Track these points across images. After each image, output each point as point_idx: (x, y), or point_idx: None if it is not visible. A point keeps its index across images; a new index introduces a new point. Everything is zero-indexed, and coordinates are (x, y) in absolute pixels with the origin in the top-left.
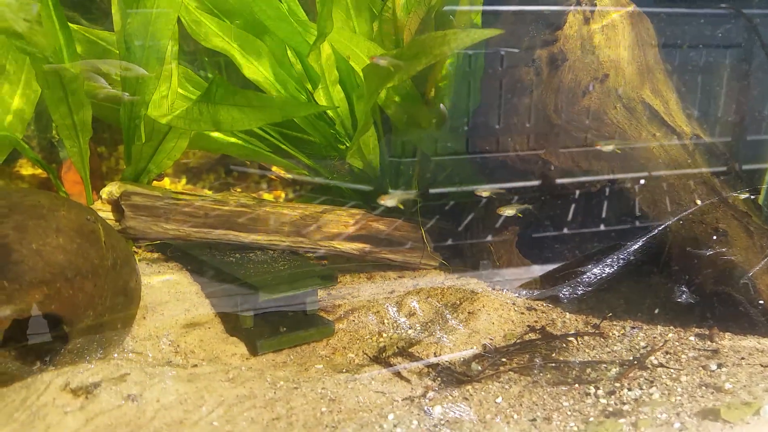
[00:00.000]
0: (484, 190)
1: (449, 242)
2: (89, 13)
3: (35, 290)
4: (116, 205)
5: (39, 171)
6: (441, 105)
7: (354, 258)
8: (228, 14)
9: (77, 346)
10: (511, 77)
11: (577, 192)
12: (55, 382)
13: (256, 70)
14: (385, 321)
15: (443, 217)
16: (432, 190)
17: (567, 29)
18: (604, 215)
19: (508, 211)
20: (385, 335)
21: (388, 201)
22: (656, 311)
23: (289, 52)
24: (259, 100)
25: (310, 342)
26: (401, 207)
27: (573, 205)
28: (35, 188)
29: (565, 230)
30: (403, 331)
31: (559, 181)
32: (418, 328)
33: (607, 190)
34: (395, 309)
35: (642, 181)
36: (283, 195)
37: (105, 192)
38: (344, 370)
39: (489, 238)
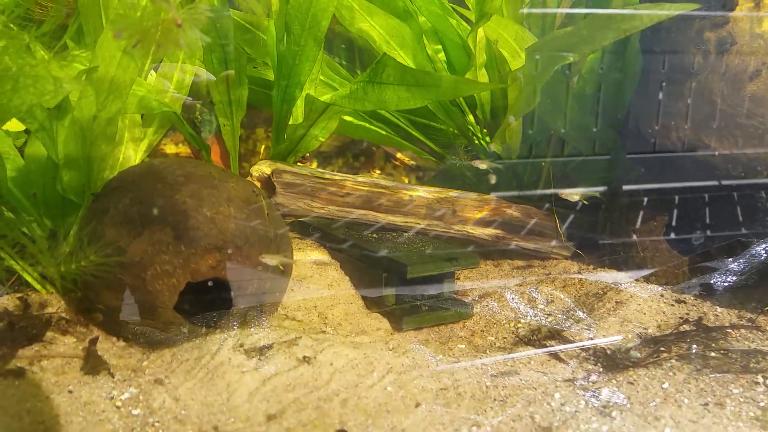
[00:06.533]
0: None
1: (585, 232)
2: None
3: (209, 256)
4: (265, 183)
5: (182, 149)
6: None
7: (485, 244)
8: None
9: (241, 311)
10: (676, 61)
11: (739, 181)
12: (226, 343)
13: (397, 54)
14: (521, 307)
15: (581, 206)
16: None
17: (737, 12)
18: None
19: (574, 197)
20: (523, 321)
21: (481, 165)
22: None
23: (425, 38)
24: (430, 78)
25: (448, 323)
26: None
27: (735, 193)
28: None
29: (723, 219)
30: (541, 317)
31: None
32: (560, 316)
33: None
34: (530, 296)
35: None
36: (406, 181)
37: (255, 170)
38: (486, 352)
39: (634, 229)
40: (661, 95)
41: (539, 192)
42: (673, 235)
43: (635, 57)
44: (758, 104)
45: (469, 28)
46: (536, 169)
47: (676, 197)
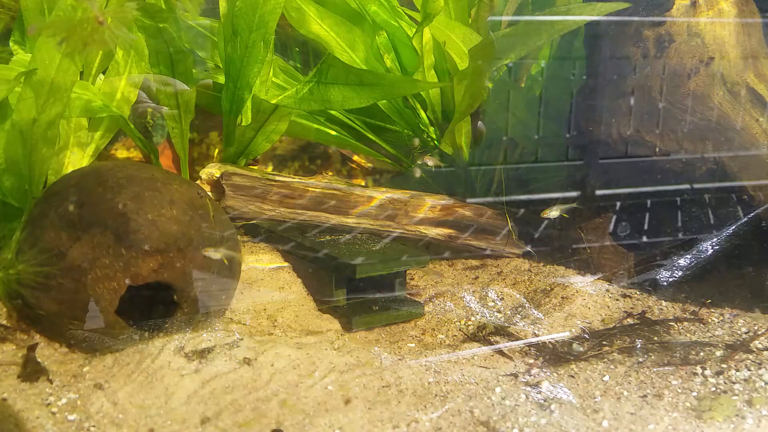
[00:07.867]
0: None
1: (535, 230)
2: None
3: (150, 258)
4: (215, 186)
5: (134, 154)
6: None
7: (439, 243)
8: (323, 2)
9: (185, 314)
10: (617, 58)
11: (679, 176)
12: (168, 347)
13: (348, 57)
14: (472, 305)
15: (531, 203)
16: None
17: (674, 11)
18: (707, 200)
19: (553, 213)
20: (473, 319)
21: (429, 161)
22: (753, 299)
23: (378, 39)
24: (373, 77)
25: (400, 322)
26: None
27: (676, 189)
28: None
29: (667, 215)
30: (492, 314)
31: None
32: (508, 312)
33: (710, 173)
34: (481, 294)
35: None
36: (362, 183)
37: (205, 173)
38: (435, 350)
39: (581, 227)
40: (602, 95)
41: (493, 194)
42: (619, 233)
43: (578, 57)
44: (697, 101)
45: None
46: (488, 169)
47: (624, 196)
